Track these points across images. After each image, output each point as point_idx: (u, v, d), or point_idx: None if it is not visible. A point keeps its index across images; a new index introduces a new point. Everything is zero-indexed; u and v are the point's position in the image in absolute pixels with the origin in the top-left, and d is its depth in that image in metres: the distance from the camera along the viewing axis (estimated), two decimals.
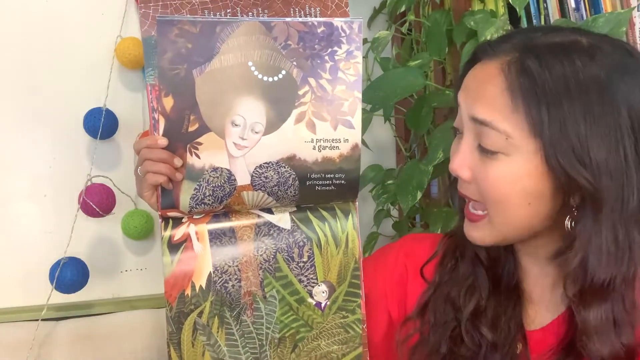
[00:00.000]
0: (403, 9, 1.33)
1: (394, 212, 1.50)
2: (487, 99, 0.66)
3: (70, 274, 1.26)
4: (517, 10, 1.15)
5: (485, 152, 0.67)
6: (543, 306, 0.74)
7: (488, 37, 1.11)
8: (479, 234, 0.71)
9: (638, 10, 1.23)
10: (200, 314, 0.79)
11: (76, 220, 1.31)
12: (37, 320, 1.29)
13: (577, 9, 1.25)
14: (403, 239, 0.91)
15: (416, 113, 1.26)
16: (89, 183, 1.30)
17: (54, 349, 1.30)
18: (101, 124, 1.32)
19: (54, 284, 1.26)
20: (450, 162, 0.71)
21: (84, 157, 1.39)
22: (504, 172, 0.65)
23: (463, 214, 0.74)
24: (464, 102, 0.69)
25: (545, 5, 1.26)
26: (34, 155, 1.38)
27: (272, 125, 0.76)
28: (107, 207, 1.30)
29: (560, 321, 0.71)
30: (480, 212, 0.70)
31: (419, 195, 1.17)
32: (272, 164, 0.77)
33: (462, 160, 0.69)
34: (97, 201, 1.27)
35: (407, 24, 1.36)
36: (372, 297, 0.83)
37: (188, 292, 0.78)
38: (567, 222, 0.66)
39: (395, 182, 1.32)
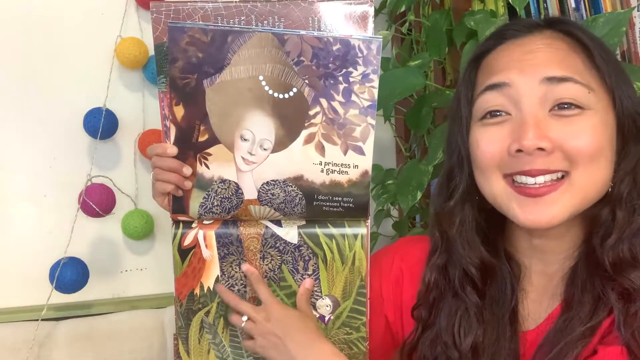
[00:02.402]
0: (403, 9, 1.33)
1: (394, 212, 1.49)
2: (560, 59, 0.68)
3: (70, 274, 1.26)
4: (517, 10, 1.15)
5: (562, 112, 0.66)
6: (538, 306, 0.73)
7: None
8: (557, 206, 0.66)
9: (638, 10, 1.23)
10: (207, 313, 0.80)
11: (76, 220, 1.31)
12: (37, 320, 1.29)
13: (577, 8, 1.25)
14: (398, 242, 0.91)
15: (416, 113, 1.26)
16: (89, 183, 1.30)
17: (54, 349, 1.30)
18: (101, 124, 1.32)
19: (54, 284, 1.26)
20: (519, 139, 0.65)
21: (84, 157, 1.39)
22: (593, 124, 0.66)
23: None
24: (525, 72, 0.67)
25: (545, 5, 1.26)
26: (34, 155, 1.38)
27: (281, 144, 0.75)
28: (107, 207, 1.30)
29: (555, 315, 0.71)
30: (555, 179, 0.66)
31: (419, 195, 1.17)
32: (279, 182, 0.76)
33: (538, 131, 0.65)
34: (97, 201, 1.28)
35: (407, 24, 1.36)
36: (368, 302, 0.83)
37: (197, 291, 0.80)
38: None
39: (395, 182, 1.31)
